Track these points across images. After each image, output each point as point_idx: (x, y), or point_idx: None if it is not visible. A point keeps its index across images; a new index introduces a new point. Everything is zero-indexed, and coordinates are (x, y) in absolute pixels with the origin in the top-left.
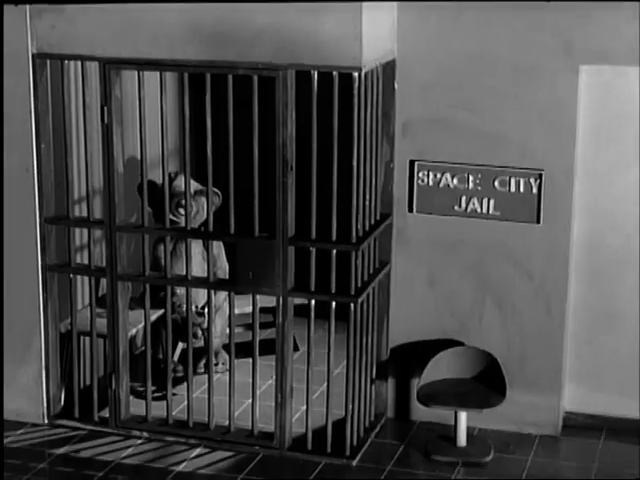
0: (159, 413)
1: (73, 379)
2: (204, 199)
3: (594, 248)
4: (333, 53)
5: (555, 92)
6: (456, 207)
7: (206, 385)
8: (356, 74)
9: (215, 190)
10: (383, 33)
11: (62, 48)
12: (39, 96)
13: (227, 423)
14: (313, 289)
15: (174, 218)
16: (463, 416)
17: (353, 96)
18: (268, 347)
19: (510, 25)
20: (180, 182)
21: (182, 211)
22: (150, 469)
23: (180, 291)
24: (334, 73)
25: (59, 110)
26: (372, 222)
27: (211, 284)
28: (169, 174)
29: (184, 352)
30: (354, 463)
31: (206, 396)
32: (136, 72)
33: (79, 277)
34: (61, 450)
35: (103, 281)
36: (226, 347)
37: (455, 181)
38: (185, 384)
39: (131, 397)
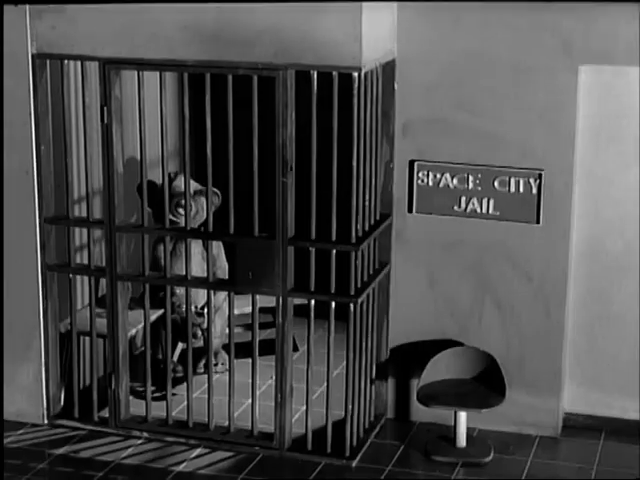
0: (159, 413)
1: (73, 379)
2: (204, 199)
3: (594, 248)
4: (333, 53)
5: (555, 92)
6: (456, 207)
7: (206, 385)
8: (356, 74)
9: (215, 190)
10: (383, 33)
11: (62, 48)
12: (39, 96)
13: (227, 423)
14: (313, 289)
15: (174, 218)
16: (463, 416)
17: (353, 96)
18: (268, 347)
19: (509, 25)
20: (180, 182)
21: (182, 211)
22: (150, 469)
23: (180, 291)
24: (334, 73)
25: (59, 110)
26: (372, 222)
27: (211, 284)
28: (169, 174)
29: (184, 352)
30: (354, 463)
31: (206, 396)
32: (136, 72)
33: (79, 277)
34: (61, 450)
35: (103, 281)
36: (226, 347)
37: (455, 181)
38: (185, 384)
39: (131, 397)
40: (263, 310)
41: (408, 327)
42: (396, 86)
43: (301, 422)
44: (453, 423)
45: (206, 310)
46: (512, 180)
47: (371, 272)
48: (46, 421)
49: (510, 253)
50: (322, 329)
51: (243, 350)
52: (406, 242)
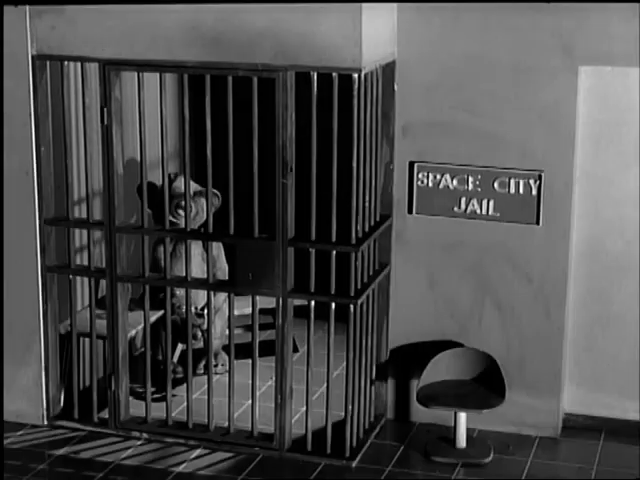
0: (159, 414)
1: (73, 380)
2: (204, 200)
3: (594, 248)
4: (333, 54)
5: (555, 93)
6: (456, 208)
7: (206, 386)
8: (356, 75)
9: (215, 191)
10: (383, 35)
11: (62, 49)
12: (39, 97)
13: (227, 424)
14: (313, 290)
15: (174, 219)
16: (463, 417)
17: (353, 97)
18: (268, 348)
19: (509, 26)
20: (180, 183)
21: (182, 212)
22: (150, 470)
23: (180, 292)
24: (334, 74)
25: (59, 111)
26: (372, 223)
27: (211, 285)
28: (169, 175)
29: (184, 353)
30: (354, 464)
31: (206, 397)
32: (136, 73)
33: (79, 278)
34: (61, 451)
35: (103, 282)
36: (226, 348)
37: (455, 182)
38: (185, 385)
39: (131, 398)
40: (263, 311)
41: (408, 328)
42: (396, 87)
43: (301, 423)
44: (453, 424)
45: (206, 311)
46: (512, 181)
47: (371, 273)
48: (46, 422)
49: (510, 254)
50: (322, 330)
51: (243, 351)
52: (406, 243)
